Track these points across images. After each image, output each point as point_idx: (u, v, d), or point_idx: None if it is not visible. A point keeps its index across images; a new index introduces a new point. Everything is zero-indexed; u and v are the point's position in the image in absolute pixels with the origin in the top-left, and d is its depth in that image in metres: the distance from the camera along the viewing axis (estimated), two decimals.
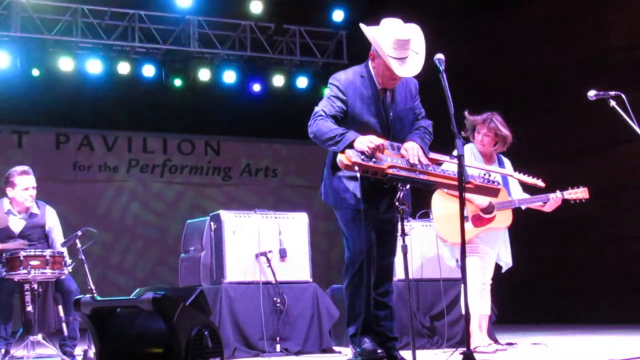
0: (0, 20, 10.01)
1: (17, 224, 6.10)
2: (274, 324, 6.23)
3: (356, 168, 4.27)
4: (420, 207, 6.34)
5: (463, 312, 4.24)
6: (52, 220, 6.29)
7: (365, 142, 4.31)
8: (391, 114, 4.63)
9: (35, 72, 10.60)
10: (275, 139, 13.23)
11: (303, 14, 11.43)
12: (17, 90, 10.61)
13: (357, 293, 4.54)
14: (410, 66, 4.46)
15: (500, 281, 6.13)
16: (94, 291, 5.45)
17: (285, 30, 11.39)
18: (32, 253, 5.64)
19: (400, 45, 4.40)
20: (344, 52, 11.70)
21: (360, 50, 4.82)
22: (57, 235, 6.27)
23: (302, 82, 11.74)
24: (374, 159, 4.31)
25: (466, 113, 5.86)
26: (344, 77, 4.64)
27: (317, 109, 4.58)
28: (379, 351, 4.47)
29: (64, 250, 5.93)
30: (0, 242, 6.03)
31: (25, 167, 6.20)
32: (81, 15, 10.35)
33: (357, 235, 4.52)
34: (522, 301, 9.71)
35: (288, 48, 11.54)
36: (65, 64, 10.52)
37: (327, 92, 4.67)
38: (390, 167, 4.35)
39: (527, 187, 5.97)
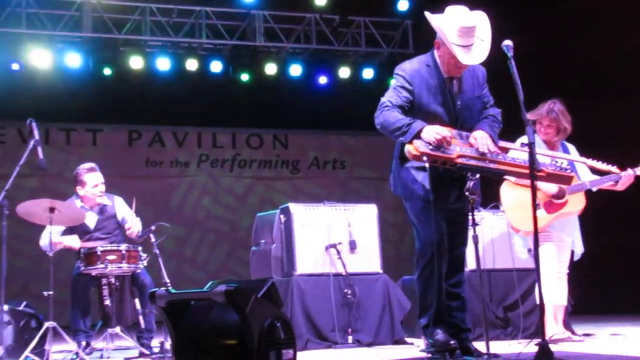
0: (73, 21, 10.25)
1: (91, 219, 6.27)
2: (345, 316, 6.25)
3: (424, 158, 4.24)
4: (490, 197, 6.26)
5: (538, 302, 4.17)
6: (122, 209, 6.43)
7: (432, 132, 4.27)
8: (459, 102, 4.58)
9: (107, 71, 10.84)
10: (342, 131, 13.22)
11: (368, 4, 11.37)
12: (89, 89, 10.88)
13: (429, 284, 4.51)
14: (475, 54, 4.40)
15: (575, 269, 6.01)
16: (169, 284, 5.56)
17: (350, 21, 11.36)
18: (109, 248, 5.79)
19: (465, 33, 4.35)
20: (410, 41, 11.61)
21: (426, 39, 4.78)
22: (132, 221, 6.34)
23: (368, 73, 11.70)
24: (442, 149, 4.27)
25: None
26: (409, 67, 4.61)
27: (383, 99, 4.56)
28: (452, 342, 4.44)
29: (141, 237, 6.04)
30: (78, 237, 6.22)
31: (92, 164, 6.35)
32: (149, 13, 10.53)
33: (427, 226, 4.49)
34: (599, 290, 9.48)
35: (353, 39, 11.51)
36: (136, 62, 10.72)
37: (393, 82, 4.64)
38: (460, 156, 4.31)
39: (594, 171, 5.85)
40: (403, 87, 4.54)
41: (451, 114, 4.55)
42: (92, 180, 6.27)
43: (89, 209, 6.30)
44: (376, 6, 11.45)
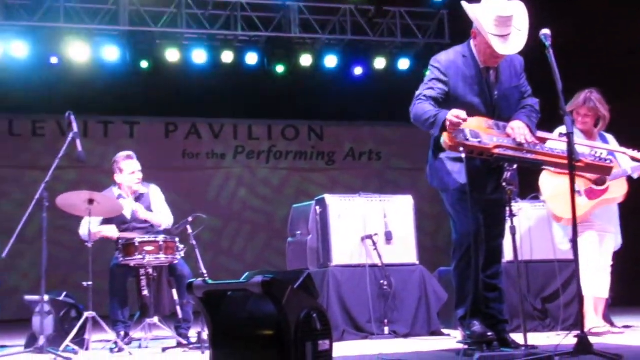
0: (110, 15, 10.34)
1: (128, 208, 6.34)
2: (382, 307, 6.24)
3: (461, 149, 4.21)
4: (530, 187, 6.20)
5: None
6: (155, 197, 6.49)
7: (450, 116, 4.23)
8: (496, 92, 4.54)
9: (144, 64, 10.93)
10: (378, 122, 13.18)
11: None
12: (127, 82, 10.98)
13: (466, 275, 4.49)
14: (512, 44, 4.36)
15: (615, 260, 5.93)
16: (206, 275, 5.60)
17: (386, 12, 11.30)
18: (147, 239, 5.85)
19: (501, 22, 4.30)
20: (446, 31, 11.51)
21: (462, 29, 4.74)
22: (160, 211, 6.43)
23: (404, 63, 11.63)
24: (479, 139, 4.24)
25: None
26: (444, 58, 4.58)
27: (417, 92, 4.55)
28: (489, 334, 4.41)
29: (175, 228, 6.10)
30: (116, 227, 6.30)
31: (129, 152, 6.46)
32: (185, 6, 10.58)
33: (463, 217, 4.46)
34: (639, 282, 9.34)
35: (389, 30, 11.45)
36: (172, 55, 10.78)
37: (427, 74, 4.62)
38: (497, 147, 4.27)
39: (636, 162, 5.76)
40: (437, 79, 4.52)
41: (488, 104, 4.52)
42: (129, 167, 6.36)
43: (127, 197, 6.38)
44: None
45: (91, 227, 5.84)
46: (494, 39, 4.31)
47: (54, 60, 10.51)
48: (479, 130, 4.31)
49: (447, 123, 4.23)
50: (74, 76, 10.62)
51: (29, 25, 10.06)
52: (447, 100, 4.49)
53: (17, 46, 10.19)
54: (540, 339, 5.24)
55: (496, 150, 4.26)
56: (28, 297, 6.08)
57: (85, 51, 10.40)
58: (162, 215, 6.42)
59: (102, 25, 10.35)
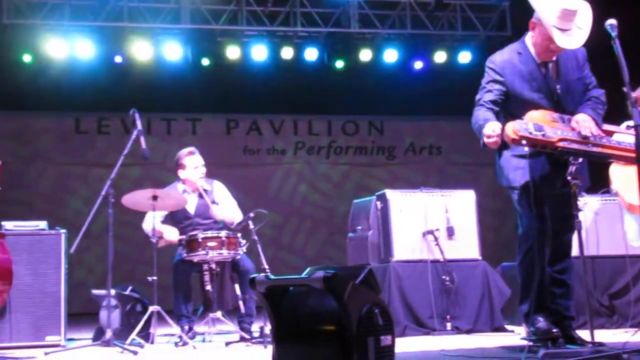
0: (172, 14, 10.48)
1: (191, 204, 6.43)
2: (444, 303, 6.20)
3: (524, 142, 4.16)
4: (600, 181, 6.06)
5: None
6: (219, 194, 6.56)
7: (487, 130, 4.28)
8: (558, 86, 4.47)
9: (205, 62, 11.06)
10: (438, 116, 13.06)
11: None
12: (189, 80, 11.13)
13: (530, 270, 4.42)
14: (571, 39, 4.29)
15: None
16: (268, 270, 5.64)
17: (446, 4, 11.17)
18: (210, 235, 5.92)
19: (565, 16, 4.23)
20: (508, 24, 11.32)
21: (524, 22, 4.66)
22: (227, 205, 6.49)
23: (464, 57, 11.50)
24: (542, 132, 4.17)
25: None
26: (499, 58, 4.58)
27: (477, 97, 4.57)
28: (554, 330, 4.34)
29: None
30: (179, 223, 6.39)
31: (192, 148, 6.55)
32: (245, 3, 10.65)
33: (528, 212, 4.41)
34: None
35: (449, 23, 11.34)
36: (232, 52, 10.88)
37: (484, 78, 4.60)
38: (561, 140, 4.20)
39: None
40: (494, 81, 4.52)
41: (549, 98, 4.47)
42: (192, 162, 6.46)
43: (191, 193, 6.47)
44: None
45: (155, 223, 5.95)
46: (556, 31, 4.25)
47: (118, 59, 10.72)
48: (543, 123, 4.24)
49: (483, 141, 4.25)
50: (138, 74, 10.81)
51: (94, 25, 10.27)
52: (507, 100, 4.48)
53: (83, 46, 10.42)
54: (607, 336, 5.13)
55: (560, 144, 4.19)
56: (95, 292, 6.22)
57: (148, 50, 10.58)
58: (233, 210, 6.48)
59: (165, 24, 10.50)
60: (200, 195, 6.46)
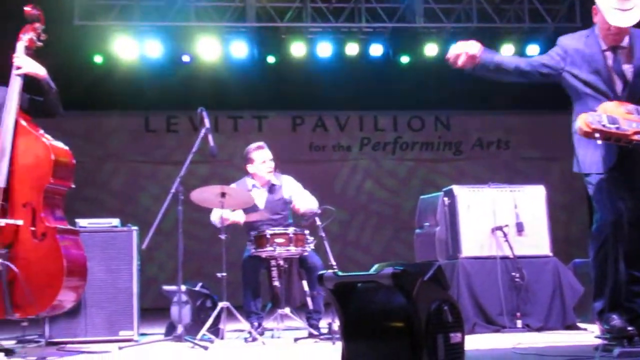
0: (237, 12, 10.58)
1: (261, 198, 6.51)
2: (514, 300, 6.11)
3: (597, 135, 4.06)
4: None
5: None
6: (289, 188, 6.60)
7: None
8: (631, 71, 4.38)
9: (271, 59, 11.13)
10: (506, 110, 12.86)
11: None
12: (255, 77, 11.23)
13: (604, 267, 4.31)
14: (626, 17, 4.21)
15: None
16: (335, 267, 5.65)
17: None
18: (277, 231, 5.96)
19: None
20: (577, 14, 11.06)
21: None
22: (301, 197, 6.51)
23: (533, 49, 11.28)
24: (617, 125, 4.06)
25: None
26: (567, 39, 4.61)
27: None
28: (630, 328, 4.23)
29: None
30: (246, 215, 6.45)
31: (260, 143, 6.62)
32: (310, 0, 10.68)
33: (603, 206, 4.31)
34: None
35: (516, 15, 11.15)
36: (298, 49, 10.92)
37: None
38: (636, 133, 4.08)
39: None
40: (554, 52, 4.60)
41: (608, 83, 4.41)
42: (260, 156, 6.52)
43: (260, 187, 6.53)
44: None
45: (223, 214, 6.02)
46: (610, 10, 4.18)
47: (185, 58, 10.88)
48: (617, 115, 4.14)
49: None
50: (205, 73, 10.96)
51: (162, 25, 10.44)
52: (569, 82, 4.52)
53: (151, 46, 10.61)
54: None
55: (635, 137, 4.07)
56: (166, 287, 6.32)
57: (215, 48, 10.70)
58: (311, 199, 6.51)
59: (231, 23, 10.60)
60: (270, 190, 6.52)
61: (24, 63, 5.10)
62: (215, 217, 6.34)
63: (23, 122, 5.04)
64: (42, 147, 4.97)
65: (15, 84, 5.07)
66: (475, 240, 6.25)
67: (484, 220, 6.29)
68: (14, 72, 5.10)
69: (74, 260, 4.95)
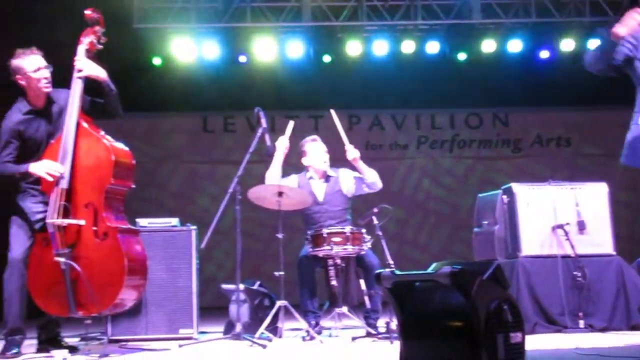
0: (293, 12, 10.61)
1: (319, 190, 6.60)
2: (575, 299, 6.00)
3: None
4: None
5: None
6: (346, 180, 6.63)
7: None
8: None
9: (327, 59, 11.13)
10: (567, 107, 12.61)
11: None
12: (311, 77, 11.26)
13: None
14: None
15: None
16: (393, 266, 5.62)
17: None
18: (334, 230, 5.96)
19: None
20: None
21: None
22: (363, 171, 6.59)
23: (594, 44, 11.06)
24: None
25: None
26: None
27: None
28: None
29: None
30: (308, 210, 6.48)
31: (314, 136, 6.67)
32: None
33: None
34: None
35: (576, 9, 10.93)
36: (353, 47, 10.90)
37: None
38: None
39: None
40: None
41: None
42: (313, 148, 6.64)
43: (317, 180, 6.57)
44: None
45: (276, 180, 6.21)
46: None
47: (242, 58, 10.97)
48: None
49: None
50: (262, 73, 11.02)
51: (219, 27, 10.54)
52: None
53: (208, 47, 10.72)
54: None
55: None
56: (225, 286, 6.38)
57: (271, 48, 10.75)
58: (371, 173, 6.57)
59: (287, 23, 10.64)
60: (327, 181, 6.54)
61: (85, 66, 5.20)
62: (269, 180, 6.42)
63: (84, 124, 5.14)
64: (103, 149, 5.07)
65: (77, 86, 5.18)
66: (536, 239, 6.16)
67: (544, 219, 6.19)
68: (76, 74, 5.21)
69: (135, 260, 5.03)
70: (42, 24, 8.71)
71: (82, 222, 4.95)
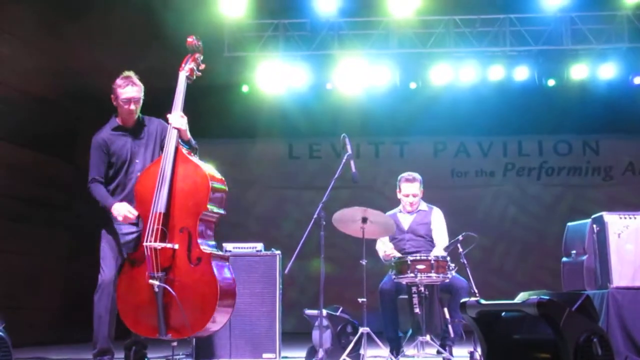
0: (380, 39, 10.66)
1: (406, 220, 6.70)
2: None
3: None
4: None
5: None
6: (437, 220, 6.69)
7: None
8: None
9: (413, 85, 11.12)
10: None
11: None
12: (397, 103, 11.28)
13: None
14: None
15: None
16: (477, 294, 5.55)
17: None
18: (419, 258, 5.93)
19: None
20: None
21: None
22: (439, 235, 6.63)
23: None
24: None
25: None
26: None
27: None
28: None
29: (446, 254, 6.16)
30: (393, 239, 6.55)
31: (412, 174, 6.77)
32: (453, 25, 10.62)
33: None
34: None
35: None
36: (440, 73, 10.85)
37: None
38: None
39: None
40: None
41: None
42: (405, 188, 6.75)
43: (405, 213, 6.73)
44: None
45: (385, 248, 6.32)
46: None
47: (329, 85, 11.06)
48: None
49: None
50: (347, 100, 11.10)
51: (307, 54, 10.68)
52: None
53: (296, 74, 10.84)
54: None
55: None
56: (308, 312, 6.41)
57: (358, 75, 10.78)
58: (440, 237, 6.60)
59: (373, 50, 10.68)
60: (417, 213, 6.71)
61: (181, 125, 5.32)
62: (380, 249, 6.62)
63: (183, 150, 5.27)
64: (201, 175, 5.17)
65: (173, 135, 5.30)
66: (627, 270, 5.97)
67: (636, 249, 6.00)
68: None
69: (226, 285, 5.10)
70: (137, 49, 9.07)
71: (176, 246, 5.04)
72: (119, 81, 5.45)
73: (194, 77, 5.47)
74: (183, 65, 5.46)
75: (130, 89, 5.42)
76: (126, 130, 5.49)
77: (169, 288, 4.91)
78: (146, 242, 5.03)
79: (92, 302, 5.32)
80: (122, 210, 5.23)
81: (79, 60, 9.59)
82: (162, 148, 5.42)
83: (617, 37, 10.62)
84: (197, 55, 5.50)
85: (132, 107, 5.43)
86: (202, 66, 5.52)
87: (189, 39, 5.50)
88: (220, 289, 4.96)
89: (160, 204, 5.09)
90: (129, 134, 5.48)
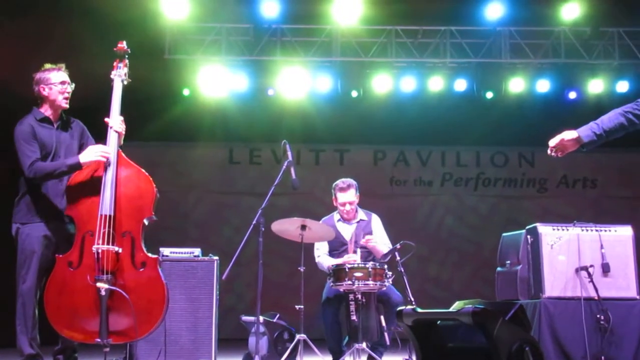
0: (323, 47, 10.71)
1: (346, 231, 6.61)
2: (598, 343, 5.91)
3: None
4: None
5: None
6: (377, 227, 6.73)
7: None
8: None
9: (354, 94, 11.19)
10: (594, 148, 12.54)
11: (622, 15, 10.72)
12: (338, 111, 11.33)
13: None
14: None
15: None
16: (414, 302, 5.59)
17: (603, 33, 10.79)
18: (356, 266, 5.95)
19: None
20: None
21: None
22: (381, 241, 6.63)
23: (622, 86, 11.03)
24: None
25: None
26: None
27: None
28: None
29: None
30: (335, 250, 6.52)
31: (347, 182, 6.72)
32: (395, 36, 10.72)
33: None
34: None
35: (606, 51, 10.92)
36: (382, 83, 10.94)
37: None
38: None
39: None
40: None
41: None
42: (340, 197, 6.69)
43: (345, 222, 6.67)
44: (632, 16, 10.76)
45: (321, 258, 6.36)
46: None
47: (270, 92, 11.04)
48: None
49: None
50: (289, 106, 11.10)
51: (249, 59, 10.65)
52: None
53: (237, 79, 10.81)
54: None
55: None
56: (245, 318, 6.38)
57: (300, 82, 10.81)
58: (384, 245, 6.59)
59: (316, 57, 10.72)
60: (358, 224, 6.62)
61: (122, 129, 5.24)
62: (321, 265, 6.58)
63: (123, 154, 5.19)
64: (144, 180, 5.11)
65: (113, 138, 5.21)
66: (559, 280, 6.09)
67: (568, 260, 6.12)
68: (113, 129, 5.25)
69: (167, 291, 5.05)
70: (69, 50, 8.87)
71: (120, 250, 4.96)
72: (46, 70, 5.35)
73: (126, 83, 5.41)
74: (116, 69, 5.39)
75: (62, 73, 5.35)
76: (51, 123, 5.35)
77: (120, 290, 4.82)
78: (96, 244, 4.92)
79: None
80: (96, 152, 5.08)
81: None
82: (81, 147, 5.33)
83: (554, 52, 10.88)
84: (126, 61, 5.44)
85: (69, 89, 5.33)
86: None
87: (120, 44, 5.44)
88: (166, 294, 4.93)
89: (107, 207, 4.99)
90: (53, 127, 5.34)
